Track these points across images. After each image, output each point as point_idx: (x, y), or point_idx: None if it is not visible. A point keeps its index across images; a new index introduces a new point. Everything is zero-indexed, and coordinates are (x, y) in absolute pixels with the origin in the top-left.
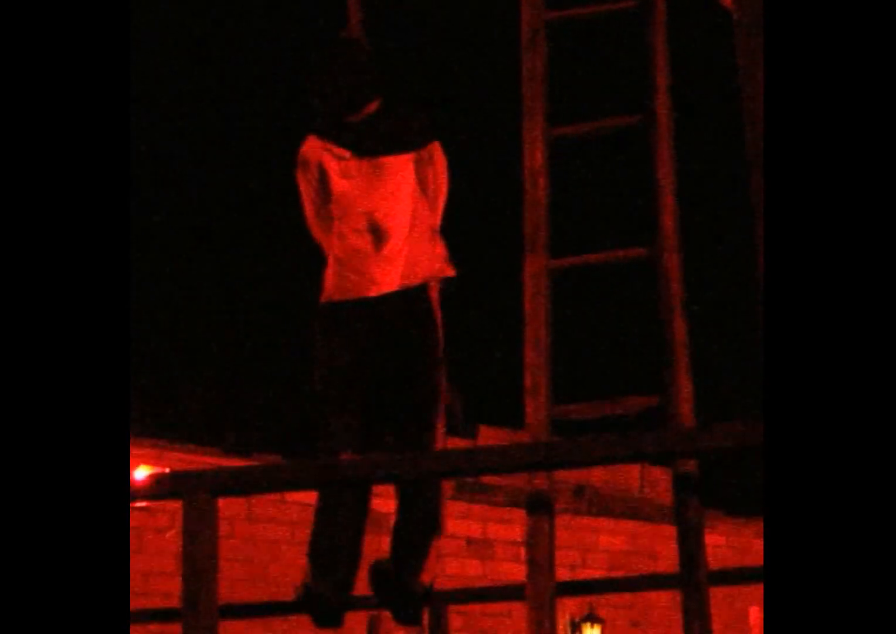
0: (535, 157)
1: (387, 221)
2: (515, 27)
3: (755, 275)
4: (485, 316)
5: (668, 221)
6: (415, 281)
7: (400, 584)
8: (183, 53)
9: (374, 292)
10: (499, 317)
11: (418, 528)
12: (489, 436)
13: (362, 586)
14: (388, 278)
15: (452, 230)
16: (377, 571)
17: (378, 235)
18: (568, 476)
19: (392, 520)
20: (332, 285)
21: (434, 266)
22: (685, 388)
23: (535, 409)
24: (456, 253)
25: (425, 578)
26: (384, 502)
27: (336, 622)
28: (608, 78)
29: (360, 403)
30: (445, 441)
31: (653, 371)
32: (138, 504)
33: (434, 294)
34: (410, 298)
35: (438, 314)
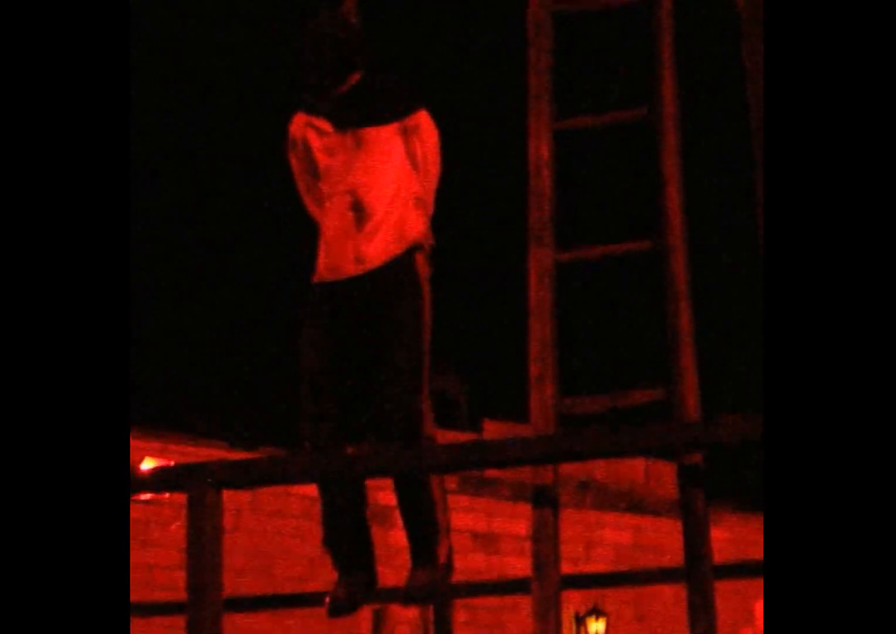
0: (541, 149)
1: (369, 196)
2: (522, 19)
3: (761, 267)
4: (489, 309)
5: (674, 213)
6: (398, 250)
7: (408, 583)
8: (180, 46)
9: (358, 270)
10: (504, 310)
11: (418, 507)
12: (493, 429)
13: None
14: (370, 254)
15: (459, 223)
16: None
17: (360, 212)
18: (573, 470)
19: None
20: (322, 264)
21: (414, 234)
22: (691, 381)
23: (541, 402)
24: (463, 245)
25: (441, 552)
26: (387, 494)
27: (348, 611)
28: (614, 71)
29: (345, 383)
30: (432, 419)
31: (658, 364)
32: (143, 497)
33: (420, 264)
34: (393, 268)
35: (426, 284)
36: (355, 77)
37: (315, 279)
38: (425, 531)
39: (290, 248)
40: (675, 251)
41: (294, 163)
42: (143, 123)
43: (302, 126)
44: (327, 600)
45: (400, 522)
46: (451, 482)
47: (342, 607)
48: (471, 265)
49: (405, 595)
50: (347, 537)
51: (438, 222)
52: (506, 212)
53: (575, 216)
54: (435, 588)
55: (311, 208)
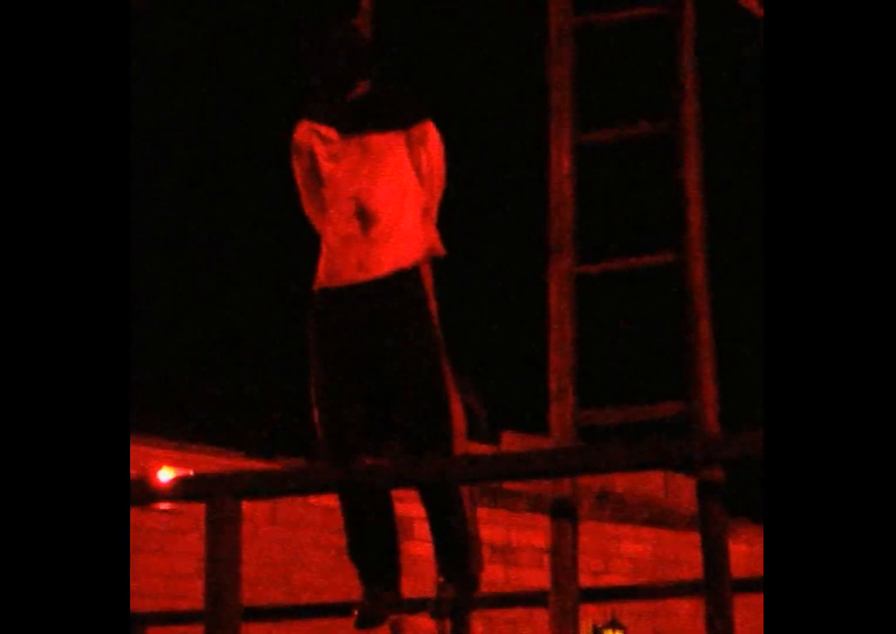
0: (562, 162)
1: (374, 203)
2: (543, 32)
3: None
4: (510, 320)
5: (695, 226)
6: (405, 264)
7: (437, 597)
8: (182, 46)
9: (363, 277)
10: (524, 321)
11: (447, 520)
12: (512, 442)
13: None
14: (377, 262)
15: (478, 235)
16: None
17: (365, 218)
18: (591, 482)
19: (422, 524)
20: (324, 271)
21: (424, 247)
22: (710, 394)
23: (560, 414)
24: (482, 257)
25: (471, 569)
26: (410, 506)
27: (375, 625)
28: (636, 83)
29: (357, 391)
30: (465, 430)
31: (678, 377)
32: (161, 506)
33: (426, 277)
34: (402, 281)
35: (432, 298)
36: (363, 86)
37: (316, 286)
38: (455, 544)
39: (305, 259)
40: (696, 264)
41: (297, 170)
42: (142, 124)
43: (307, 133)
44: (355, 612)
45: (419, 532)
46: (475, 491)
47: (370, 621)
48: (492, 277)
49: (434, 610)
50: (372, 549)
51: (461, 234)
52: (527, 224)
53: (596, 228)
54: (465, 602)
55: (313, 216)
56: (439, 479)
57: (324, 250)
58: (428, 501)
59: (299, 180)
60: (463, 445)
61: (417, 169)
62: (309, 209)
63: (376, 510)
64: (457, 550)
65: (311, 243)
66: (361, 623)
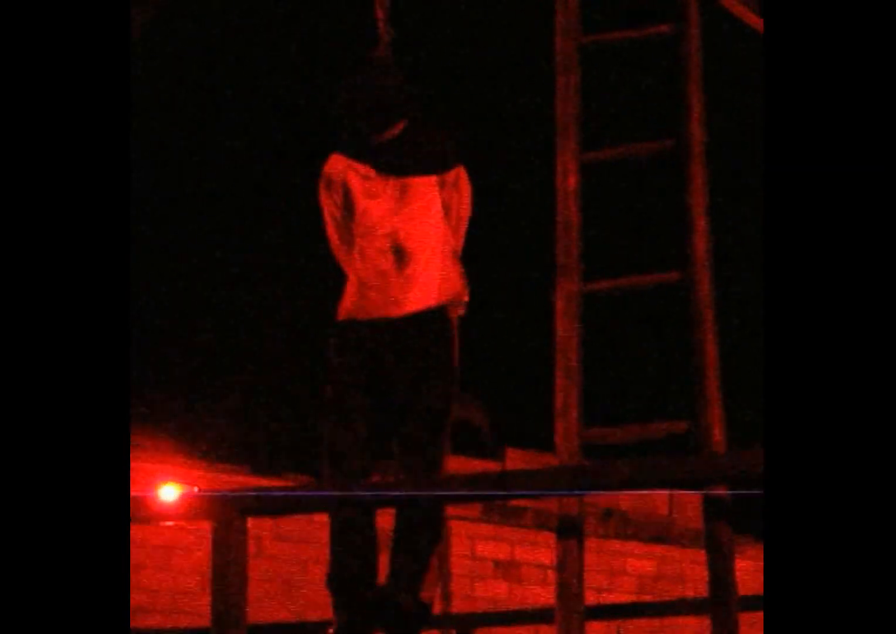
0: (568, 180)
1: (410, 242)
2: (550, 51)
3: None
4: (515, 338)
5: (701, 245)
6: (436, 303)
7: (396, 602)
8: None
9: (395, 313)
10: (529, 338)
11: (414, 544)
12: (516, 458)
13: None
14: (409, 299)
15: (485, 251)
16: (377, 593)
17: (401, 255)
18: (597, 499)
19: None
20: (353, 303)
21: (454, 289)
22: (716, 412)
23: (565, 432)
24: (488, 274)
25: (424, 596)
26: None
27: None
28: (642, 102)
29: (371, 418)
30: (446, 461)
31: (684, 395)
32: (167, 522)
33: (454, 317)
34: (431, 319)
35: (456, 337)
36: (400, 126)
37: (342, 317)
38: (417, 565)
39: (318, 280)
40: (701, 283)
41: (327, 202)
42: (143, 124)
43: (342, 168)
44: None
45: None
46: (475, 510)
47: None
48: (498, 294)
49: (390, 619)
50: (365, 577)
51: (466, 251)
52: (532, 242)
53: (602, 247)
54: (417, 621)
55: (338, 248)
56: (443, 497)
57: (352, 280)
58: (401, 516)
59: (328, 212)
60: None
61: (447, 211)
62: (335, 241)
63: (368, 537)
64: (417, 570)
65: (324, 273)
66: None
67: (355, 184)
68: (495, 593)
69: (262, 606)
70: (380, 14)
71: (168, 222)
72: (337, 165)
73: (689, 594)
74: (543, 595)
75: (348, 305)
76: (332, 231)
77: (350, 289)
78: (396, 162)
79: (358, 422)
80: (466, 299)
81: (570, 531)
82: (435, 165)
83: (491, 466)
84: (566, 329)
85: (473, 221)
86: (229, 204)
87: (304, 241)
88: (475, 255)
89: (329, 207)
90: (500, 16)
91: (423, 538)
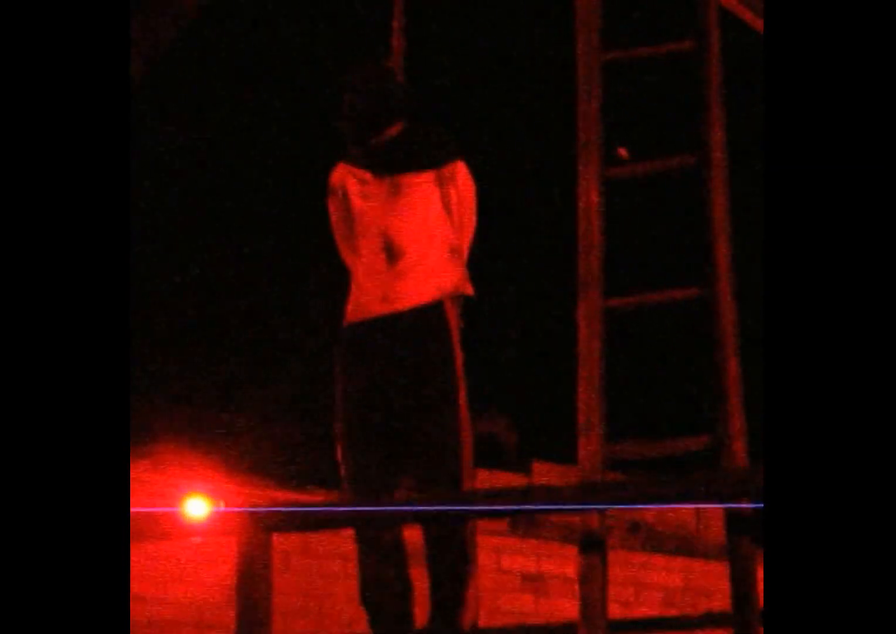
0: (590, 197)
1: (400, 237)
2: (571, 68)
3: None
4: (539, 352)
5: (723, 260)
6: (428, 298)
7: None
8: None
9: (386, 310)
10: (553, 353)
11: (448, 567)
12: (543, 471)
13: None
14: (400, 294)
15: (508, 270)
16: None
17: (392, 252)
18: (622, 512)
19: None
20: (351, 306)
21: (450, 284)
22: (739, 427)
23: (588, 447)
24: (511, 290)
25: (466, 620)
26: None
27: None
28: (663, 117)
29: (379, 426)
30: (472, 464)
31: (707, 410)
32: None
33: (451, 313)
34: (425, 315)
35: (456, 333)
36: (396, 128)
37: (345, 322)
38: (454, 591)
39: (328, 289)
40: (724, 299)
41: (333, 210)
42: (144, 127)
43: (342, 175)
44: None
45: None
46: (502, 523)
47: None
48: (522, 310)
49: None
50: (394, 594)
51: (490, 267)
52: (556, 258)
53: (624, 263)
54: None
55: (346, 256)
56: (470, 512)
57: (353, 286)
58: (431, 540)
59: (333, 221)
60: (470, 478)
61: (447, 207)
62: (342, 249)
63: (397, 551)
64: (451, 592)
65: (326, 271)
66: None
67: (352, 188)
68: (521, 606)
69: (288, 621)
70: (396, 25)
71: (200, 235)
72: (339, 173)
73: (715, 607)
74: (569, 608)
75: (350, 308)
76: (339, 239)
77: (352, 293)
78: (389, 162)
79: (365, 432)
80: (469, 293)
81: (592, 545)
82: (426, 160)
83: (516, 479)
84: (588, 345)
85: (499, 238)
86: (258, 214)
87: (336, 252)
88: (500, 272)
89: (334, 216)
90: (521, 35)
91: (455, 558)
